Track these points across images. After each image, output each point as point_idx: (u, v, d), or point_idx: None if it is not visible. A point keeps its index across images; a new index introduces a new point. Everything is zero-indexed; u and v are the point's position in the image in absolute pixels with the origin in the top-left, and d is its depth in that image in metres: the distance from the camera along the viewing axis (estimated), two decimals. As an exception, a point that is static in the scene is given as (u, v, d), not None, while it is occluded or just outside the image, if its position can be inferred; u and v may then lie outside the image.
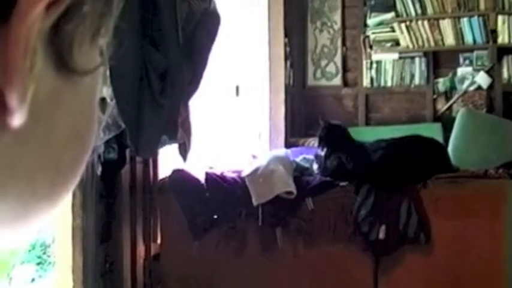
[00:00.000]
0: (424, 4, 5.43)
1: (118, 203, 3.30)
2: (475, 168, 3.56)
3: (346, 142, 3.63)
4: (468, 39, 5.34)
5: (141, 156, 3.33)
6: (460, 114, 5.09)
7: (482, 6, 5.30)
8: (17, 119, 0.30)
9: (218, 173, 3.66)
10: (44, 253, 3.79)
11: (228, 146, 4.80)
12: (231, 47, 4.80)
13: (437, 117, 5.45)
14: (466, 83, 5.36)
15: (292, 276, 3.51)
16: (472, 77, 5.35)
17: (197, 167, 3.69)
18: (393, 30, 5.52)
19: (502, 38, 5.24)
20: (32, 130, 0.32)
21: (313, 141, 4.74)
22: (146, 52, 2.71)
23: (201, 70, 3.05)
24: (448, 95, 5.44)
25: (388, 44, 5.57)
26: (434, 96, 5.48)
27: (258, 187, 3.47)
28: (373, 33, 5.59)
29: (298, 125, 5.57)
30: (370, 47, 5.63)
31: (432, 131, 5.02)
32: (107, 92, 2.29)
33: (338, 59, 5.76)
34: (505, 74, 5.28)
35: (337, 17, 5.76)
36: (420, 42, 5.45)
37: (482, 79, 5.30)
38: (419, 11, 5.44)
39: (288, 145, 5.10)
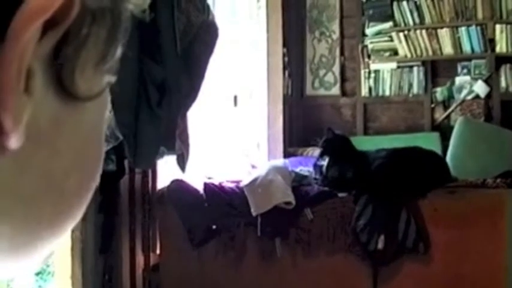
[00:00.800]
0: (422, 13, 5.44)
1: (117, 213, 3.30)
2: (473, 178, 3.56)
3: (349, 153, 3.63)
4: (466, 48, 5.35)
5: (139, 168, 3.33)
6: (458, 123, 5.09)
7: (480, 15, 5.31)
8: (13, 141, 0.30)
9: (217, 183, 3.66)
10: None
11: (226, 156, 4.80)
12: (229, 57, 4.81)
13: (435, 126, 5.45)
14: (464, 92, 5.36)
15: (291, 286, 3.51)
16: (470, 86, 5.35)
17: (196, 177, 3.69)
18: (391, 40, 5.53)
19: (500, 47, 5.25)
20: (32, 154, 0.32)
21: (312, 151, 4.74)
22: (144, 63, 2.72)
23: (199, 81, 3.05)
24: (446, 104, 5.45)
25: (386, 54, 5.58)
26: (433, 106, 5.49)
27: (256, 197, 3.48)
28: (371, 42, 5.60)
29: (296, 135, 5.57)
30: (369, 56, 5.64)
31: (430, 140, 5.03)
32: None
33: (336, 68, 5.77)
34: (503, 83, 5.28)
35: (335, 26, 5.77)
36: (418, 52, 5.46)
37: (480, 88, 5.31)
38: (417, 21, 5.45)
39: (286, 155, 5.10)
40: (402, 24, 5.49)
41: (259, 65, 5.32)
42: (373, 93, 5.63)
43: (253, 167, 4.40)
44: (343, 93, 5.78)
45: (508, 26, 5.22)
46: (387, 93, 5.59)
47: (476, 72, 5.36)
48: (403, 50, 5.49)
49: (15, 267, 0.36)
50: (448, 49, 5.39)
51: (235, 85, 5.06)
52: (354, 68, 5.73)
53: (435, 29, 5.40)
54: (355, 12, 5.70)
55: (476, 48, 5.32)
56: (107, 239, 3.23)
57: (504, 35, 5.23)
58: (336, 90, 5.77)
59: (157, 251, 3.62)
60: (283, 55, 5.36)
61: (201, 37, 3.00)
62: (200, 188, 3.58)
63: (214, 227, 3.53)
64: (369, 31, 5.62)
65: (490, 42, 5.27)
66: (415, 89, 5.52)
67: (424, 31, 5.42)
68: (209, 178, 3.77)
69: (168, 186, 3.59)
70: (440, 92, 5.46)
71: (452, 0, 5.33)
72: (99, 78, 0.35)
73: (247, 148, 5.17)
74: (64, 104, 0.33)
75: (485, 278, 3.26)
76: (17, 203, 0.32)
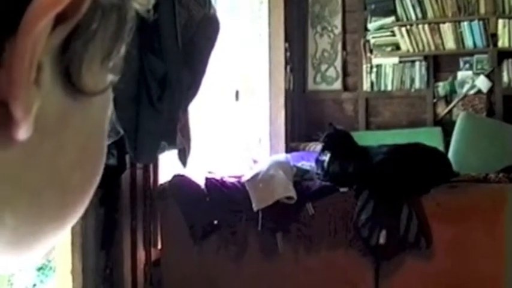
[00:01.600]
0: (424, 8, 5.43)
1: (118, 208, 3.30)
2: (475, 173, 3.56)
3: (351, 148, 3.62)
4: (468, 43, 5.34)
5: (140, 163, 3.33)
6: (460, 118, 5.08)
7: (482, 10, 5.30)
8: (22, 132, 0.31)
9: (218, 178, 3.66)
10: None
11: (228, 151, 4.80)
12: (231, 52, 4.80)
13: (437, 121, 5.44)
14: (466, 86, 5.36)
15: (293, 281, 3.51)
16: (472, 80, 5.35)
17: (197, 172, 3.69)
18: (393, 35, 5.53)
19: (502, 42, 5.24)
20: (39, 145, 0.32)
21: (314, 146, 4.74)
22: (145, 58, 2.71)
23: (200, 76, 3.04)
24: (448, 99, 5.44)
25: (389, 48, 5.57)
26: (435, 100, 5.48)
27: (258, 192, 3.47)
28: (374, 37, 5.60)
29: (298, 130, 5.57)
30: (371, 51, 5.64)
31: (432, 135, 5.03)
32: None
33: (338, 63, 5.76)
34: (505, 78, 5.27)
35: (337, 21, 5.76)
36: (420, 46, 5.45)
37: (483, 83, 5.30)
38: (419, 15, 5.45)
39: (288, 150, 5.09)
40: (404, 19, 5.49)
41: (261, 60, 5.31)
42: (375, 88, 5.63)
43: (254, 161, 4.40)
44: (345, 88, 5.77)
45: (511, 21, 5.21)
46: (389, 88, 5.59)
47: (479, 67, 5.36)
48: (405, 44, 5.48)
49: (17, 261, 0.36)
50: (450, 44, 5.38)
51: (237, 80, 5.05)
52: (356, 62, 5.73)
53: (437, 23, 5.40)
54: (358, 6, 5.70)
55: (479, 43, 5.32)
56: (108, 233, 3.23)
57: (506, 29, 5.22)
58: (337, 85, 5.77)
59: (159, 246, 3.62)
60: (285, 50, 5.36)
61: (202, 31, 2.99)
62: (202, 183, 3.58)
63: (215, 222, 3.53)
64: (371, 26, 5.61)
65: (492, 37, 5.26)
66: (417, 84, 5.51)
67: (426, 26, 5.42)
68: (210, 173, 3.77)
69: (170, 181, 3.59)
70: (442, 87, 5.45)
71: (454, -5, 5.33)
72: (104, 75, 0.36)
73: (249, 143, 5.16)
74: (71, 98, 0.34)
75: (487, 272, 3.26)
76: (22, 193, 0.33)
